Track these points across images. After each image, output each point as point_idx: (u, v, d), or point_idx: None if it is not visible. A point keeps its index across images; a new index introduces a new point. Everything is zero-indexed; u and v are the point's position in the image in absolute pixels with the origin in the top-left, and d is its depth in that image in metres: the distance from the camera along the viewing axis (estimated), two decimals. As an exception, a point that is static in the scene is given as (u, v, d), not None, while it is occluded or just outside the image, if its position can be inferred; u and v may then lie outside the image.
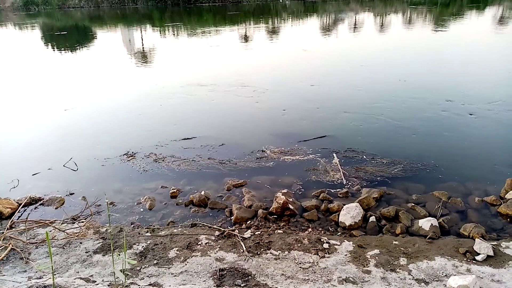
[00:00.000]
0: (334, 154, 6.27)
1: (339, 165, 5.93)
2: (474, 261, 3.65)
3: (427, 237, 4.16)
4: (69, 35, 28.22)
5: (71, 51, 20.54)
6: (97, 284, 3.38)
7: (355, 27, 26.61)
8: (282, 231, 4.37)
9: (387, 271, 3.57)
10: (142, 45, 22.25)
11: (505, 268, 3.52)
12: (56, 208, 5.21)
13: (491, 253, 3.69)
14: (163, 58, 17.58)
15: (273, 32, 26.09)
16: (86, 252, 4.04)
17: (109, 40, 25.98)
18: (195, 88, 11.28)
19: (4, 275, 3.60)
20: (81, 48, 21.49)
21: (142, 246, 4.12)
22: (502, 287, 3.24)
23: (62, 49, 21.66)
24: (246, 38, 22.72)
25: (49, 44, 24.16)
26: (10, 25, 39.52)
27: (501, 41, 17.57)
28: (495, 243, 3.93)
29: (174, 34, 26.44)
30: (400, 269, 3.59)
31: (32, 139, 7.87)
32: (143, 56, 18.23)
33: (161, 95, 10.69)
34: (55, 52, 20.87)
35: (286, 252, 3.91)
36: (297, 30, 26.94)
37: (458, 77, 11.26)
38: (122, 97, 10.97)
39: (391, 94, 9.56)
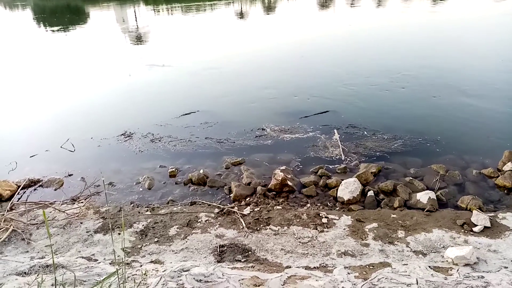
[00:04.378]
0: (335, 131, 6.23)
1: (339, 141, 5.90)
2: (471, 233, 3.69)
3: (425, 210, 4.19)
4: (61, 16, 27.59)
5: (65, 32, 20.12)
6: (99, 263, 3.42)
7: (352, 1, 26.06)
8: (281, 207, 4.40)
9: (385, 243, 3.61)
10: (136, 23, 21.80)
11: (501, 238, 3.56)
12: (55, 190, 5.21)
13: (488, 224, 3.73)
14: (158, 36, 17.26)
15: (269, 8, 25.54)
16: (87, 232, 4.07)
17: (102, 19, 25.42)
18: (194, 67, 11.12)
19: (6, 256, 3.64)
20: (75, 29, 21.04)
21: (143, 225, 4.15)
22: (498, 257, 3.29)
23: (55, 30, 21.21)
24: (242, 15, 22.26)
25: (42, 25, 23.65)
26: (1, 6, 38.58)
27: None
28: (492, 214, 3.97)
29: (168, 12, 25.88)
30: (398, 241, 3.64)
31: (28, 121, 7.81)
32: (138, 35, 17.89)
33: (158, 75, 10.55)
34: (48, 34, 20.45)
35: (285, 228, 3.94)
36: (294, 6, 26.38)
37: (455, 58, 11.00)
38: (116, 77, 10.81)
39: (396, 71, 9.41)
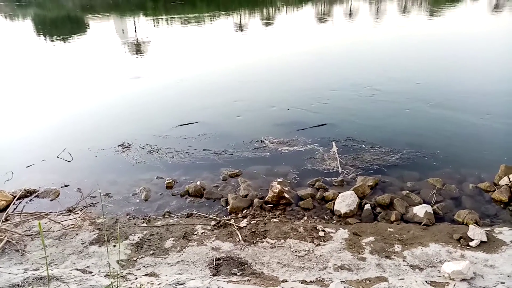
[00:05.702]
0: (333, 143, 6.25)
1: (336, 153, 5.92)
2: (468, 247, 3.69)
3: (422, 224, 4.19)
4: (61, 26, 27.80)
5: (64, 43, 20.25)
6: (94, 275, 3.38)
7: (350, 14, 26.42)
8: (277, 220, 4.39)
9: (382, 258, 3.60)
10: (136, 35, 21.96)
11: (498, 253, 3.56)
12: (51, 200, 5.18)
13: (485, 239, 3.73)
14: (157, 48, 17.38)
15: (268, 20, 25.86)
16: (82, 244, 4.04)
17: (102, 30, 25.60)
18: (194, 79, 11.19)
19: (0, 267, 3.60)
20: (74, 40, 21.18)
21: (138, 237, 4.13)
22: (495, 272, 3.28)
23: (55, 41, 21.35)
24: (241, 27, 22.51)
25: (41, 35, 23.81)
26: (1, 16, 38.84)
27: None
28: (488, 228, 3.97)
29: (167, 23, 26.13)
30: (395, 255, 3.63)
31: (24, 131, 7.80)
32: (138, 47, 18.01)
33: (157, 86, 10.60)
34: (47, 44, 20.57)
35: (282, 241, 3.93)
36: (294, 18, 26.74)
37: (453, 72, 11.08)
38: (115, 88, 10.84)
39: (400, 84, 9.49)
